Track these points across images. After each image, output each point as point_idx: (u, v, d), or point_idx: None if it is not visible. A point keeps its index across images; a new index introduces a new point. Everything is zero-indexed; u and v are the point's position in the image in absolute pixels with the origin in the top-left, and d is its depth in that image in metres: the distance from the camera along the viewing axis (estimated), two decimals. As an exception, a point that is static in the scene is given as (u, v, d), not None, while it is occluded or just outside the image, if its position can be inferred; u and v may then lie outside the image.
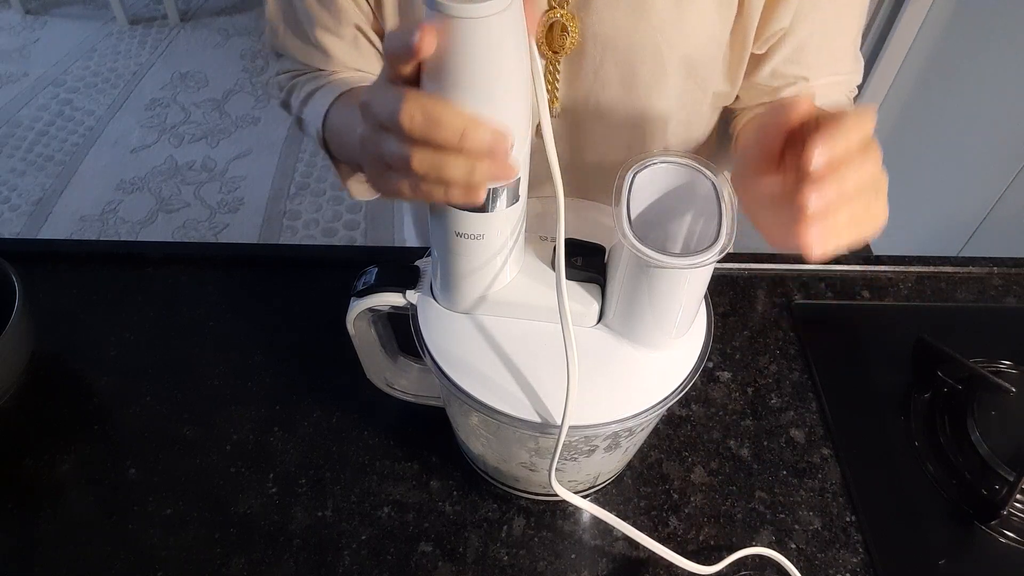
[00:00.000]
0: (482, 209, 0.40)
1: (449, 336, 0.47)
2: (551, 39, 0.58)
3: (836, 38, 0.62)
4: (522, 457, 0.52)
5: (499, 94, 0.35)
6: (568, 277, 0.45)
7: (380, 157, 0.38)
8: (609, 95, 0.62)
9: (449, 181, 0.36)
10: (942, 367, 0.66)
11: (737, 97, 0.67)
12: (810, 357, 0.70)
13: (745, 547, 0.57)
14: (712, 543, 0.58)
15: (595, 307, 0.47)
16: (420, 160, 0.35)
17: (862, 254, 0.81)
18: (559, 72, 0.61)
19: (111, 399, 0.66)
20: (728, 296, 0.76)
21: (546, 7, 0.57)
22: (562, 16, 0.57)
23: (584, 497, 0.57)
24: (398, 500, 0.60)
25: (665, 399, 0.45)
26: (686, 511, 0.60)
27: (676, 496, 0.61)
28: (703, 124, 0.69)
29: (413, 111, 0.34)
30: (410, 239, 0.99)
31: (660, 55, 0.59)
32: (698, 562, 0.54)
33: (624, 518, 0.53)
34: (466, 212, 0.40)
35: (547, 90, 0.62)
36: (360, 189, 0.64)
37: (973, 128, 1.57)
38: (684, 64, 0.60)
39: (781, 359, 0.70)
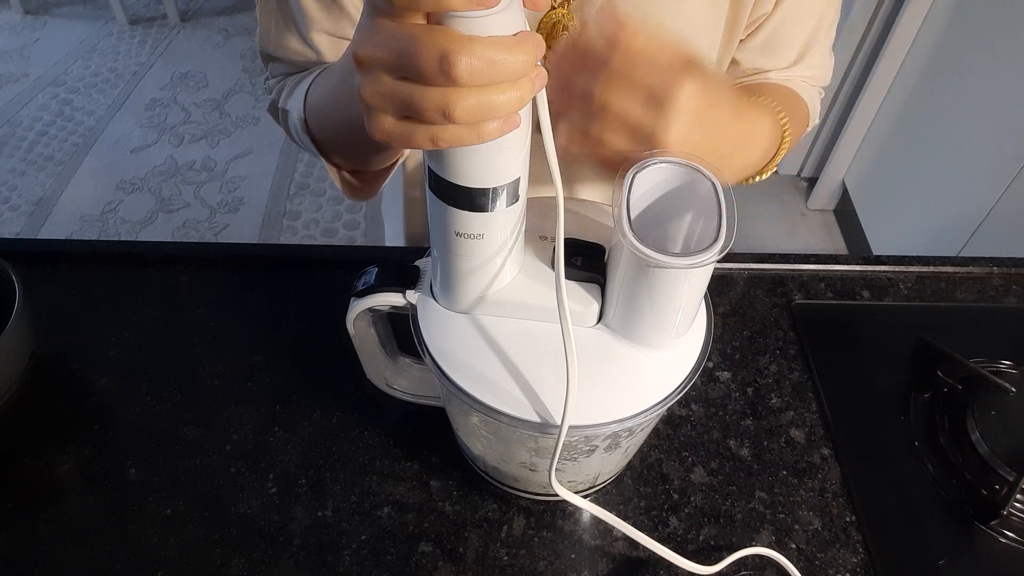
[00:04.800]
0: (482, 209, 0.40)
1: (449, 336, 0.47)
2: (551, 39, 0.58)
3: (808, 29, 0.64)
4: (522, 457, 0.52)
5: None
6: (568, 277, 0.45)
7: (405, 110, 0.34)
8: None
9: (496, 118, 0.33)
10: (942, 367, 0.66)
11: None
12: (810, 357, 0.70)
13: (745, 547, 0.57)
14: (712, 543, 0.58)
15: (595, 307, 0.47)
16: (465, 109, 0.32)
17: (862, 254, 0.82)
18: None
19: (111, 399, 0.66)
20: (728, 296, 0.76)
21: (548, 7, 0.57)
22: (563, 16, 0.56)
23: (584, 497, 0.57)
24: (398, 500, 0.60)
25: (665, 399, 0.45)
26: (686, 511, 0.60)
27: (676, 496, 0.61)
28: None
29: (471, 61, 0.30)
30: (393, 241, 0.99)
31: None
32: (698, 562, 0.54)
33: (624, 518, 0.53)
34: (466, 212, 0.40)
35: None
36: (352, 191, 0.63)
37: (973, 128, 1.57)
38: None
39: (781, 359, 0.70)
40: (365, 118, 0.36)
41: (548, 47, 0.58)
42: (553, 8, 0.57)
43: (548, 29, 0.58)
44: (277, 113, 0.64)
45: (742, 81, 0.69)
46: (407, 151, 0.58)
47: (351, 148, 0.56)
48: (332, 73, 0.55)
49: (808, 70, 0.68)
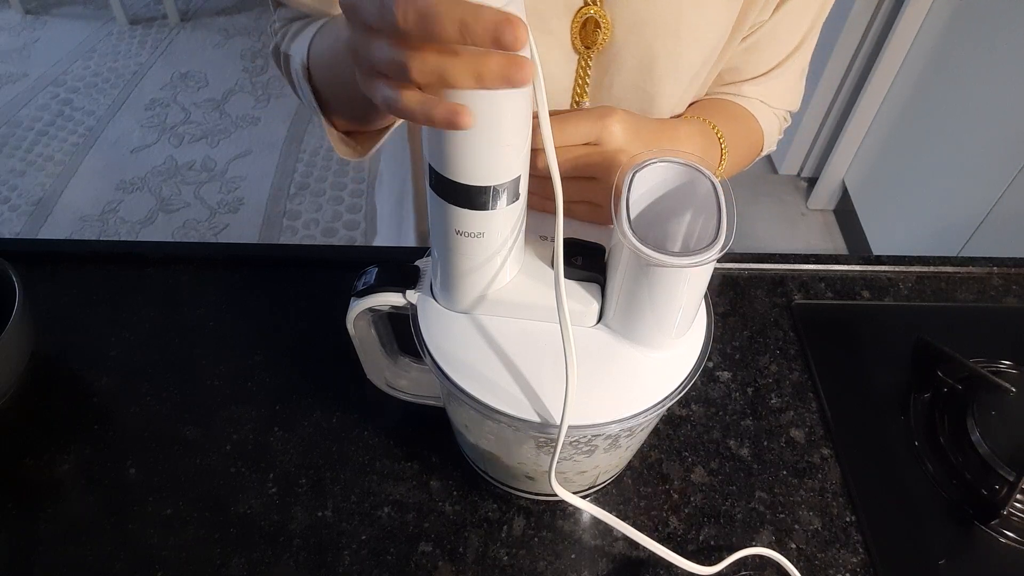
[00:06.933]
0: (482, 207, 0.40)
1: (449, 336, 0.47)
2: (584, 35, 0.58)
3: (790, 46, 0.66)
4: (522, 457, 0.52)
5: (497, 92, 0.35)
6: (568, 276, 0.45)
7: (373, 66, 0.35)
8: (626, 82, 0.62)
9: (454, 86, 0.32)
10: (942, 367, 0.66)
11: None
12: (810, 357, 0.70)
13: (745, 547, 0.57)
14: (712, 543, 0.58)
15: (595, 307, 0.47)
16: (420, 67, 0.32)
17: (862, 254, 0.82)
18: (590, 68, 0.61)
19: (111, 399, 0.66)
20: (728, 296, 0.76)
21: (580, 4, 0.57)
22: (595, 12, 0.57)
23: (584, 497, 0.57)
24: (398, 500, 0.60)
25: (665, 399, 0.45)
26: (686, 511, 0.60)
27: (676, 496, 0.61)
28: None
29: (406, 8, 0.30)
30: (382, 239, 0.98)
31: (679, 41, 0.59)
32: (698, 562, 0.54)
33: (624, 518, 0.53)
34: (467, 210, 0.40)
35: (577, 86, 0.62)
36: (345, 149, 0.62)
37: (973, 128, 1.57)
38: (700, 53, 0.61)
39: (781, 359, 0.70)
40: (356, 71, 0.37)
41: (585, 46, 0.58)
42: (585, 4, 0.56)
43: (580, 26, 0.57)
44: (279, 57, 0.62)
45: (712, 95, 0.69)
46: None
47: (351, 104, 0.56)
48: (337, 24, 0.54)
49: (776, 87, 0.69)
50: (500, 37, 0.30)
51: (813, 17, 0.64)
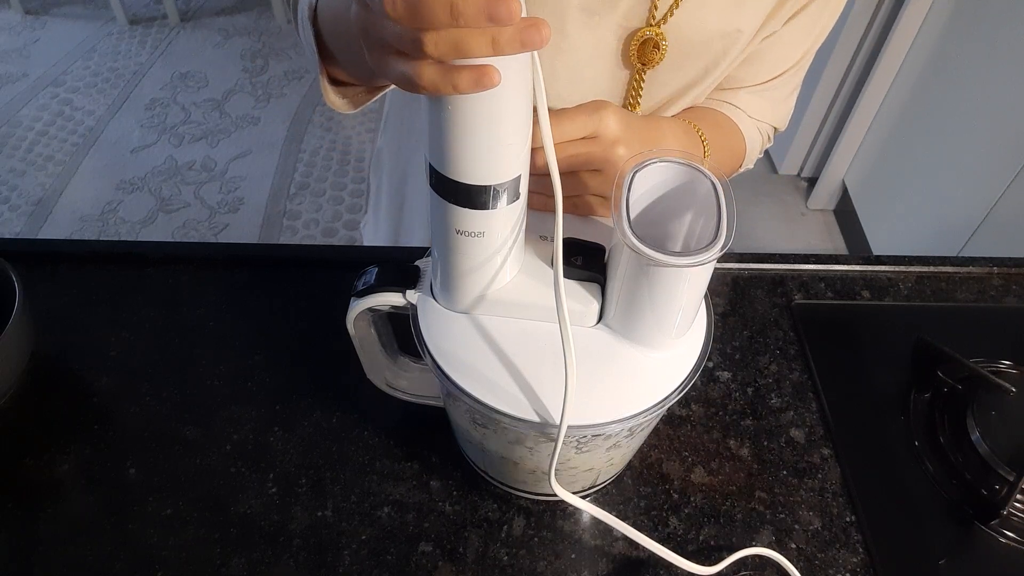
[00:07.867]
0: (483, 206, 0.40)
1: (449, 336, 0.47)
2: (642, 53, 0.58)
3: (791, 60, 0.66)
4: (522, 457, 0.52)
5: (497, 90, 0.35)
6: (568, 276, 0.46)
7: (385, 43, 0.35)
8: (673, 94, 0.63)
9: (470, 55, 0.32)
10: (942, 367, 0.66)
11: None
12: (810, 357, 0.70)
13: (745, 547, 0.57)
14: (712, 543, 0.58)
15: (595, 307, 0.47)
16: (434, 40, 0.31)
17: (862, 254, 0.82)
18: (644, 82, 0.61)
19: (111, 399, 0.66)
20: (728, 296, 0.76)
21: (639, 24, 0.57)
22: (654, 34, 0.57)
23: (584, 497, 0.57)
24: (398, 500, 0.60)
25: (665, 399, 0.45)
26: (686, 511, 0.60)
27: (676, 496, 0.61)
28: None
29: None
30: (368, 238, 0.97)
31: (727, 56, 0.60)
32: (698, 562, 0.54)
33: (624, 518, 0.53)
34: (467, 209, 0.40)
35: (630, 99, 0.62)
36: (339, 102, 0.62)
37: (973, 128, 1.57)
38: (734, 62, 0.62)
39: (781, 359, 0.70)
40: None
41: (642, 63, 0.58)
42: (648, 25, 0.57)
43: (639, 45, 0.58)
44: None
45: (703, 103, 0.69)
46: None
47: (355, 63, 0.56)
48: None
49: (768, 100, 0.69)
50: (494, 14, 0.30)
51: (816, 35, 0.64)
